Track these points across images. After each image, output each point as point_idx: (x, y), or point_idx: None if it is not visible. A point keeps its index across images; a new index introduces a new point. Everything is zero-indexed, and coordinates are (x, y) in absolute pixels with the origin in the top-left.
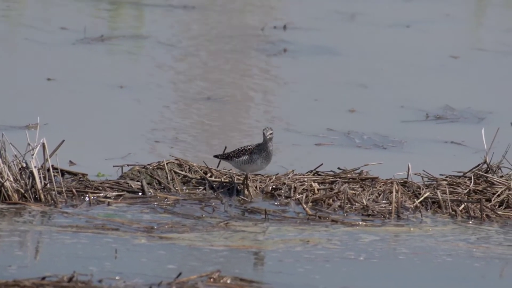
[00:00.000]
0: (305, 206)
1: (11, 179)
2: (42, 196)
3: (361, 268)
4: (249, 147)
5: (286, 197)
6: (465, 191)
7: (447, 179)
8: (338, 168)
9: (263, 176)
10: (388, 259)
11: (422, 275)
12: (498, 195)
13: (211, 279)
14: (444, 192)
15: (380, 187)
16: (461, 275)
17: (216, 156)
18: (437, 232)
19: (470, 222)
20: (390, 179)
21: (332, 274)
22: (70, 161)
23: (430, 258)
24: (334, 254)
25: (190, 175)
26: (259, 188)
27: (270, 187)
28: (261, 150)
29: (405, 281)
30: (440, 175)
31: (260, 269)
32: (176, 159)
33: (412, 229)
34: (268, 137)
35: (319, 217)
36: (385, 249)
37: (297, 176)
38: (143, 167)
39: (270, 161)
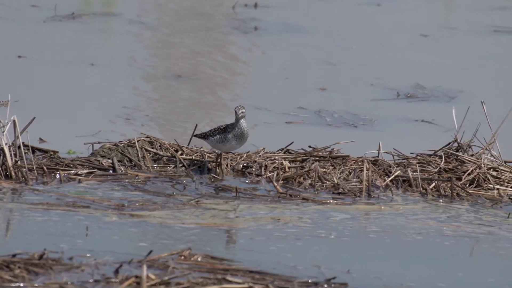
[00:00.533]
0: (276, 184)
1: None
2: (12, 174)
3: (332, 246)
4: (223, 126)
5: (257, 175)
6: (436, 170)
7: (418, 157)
8: (309, 147)
9: (234, 154)
10: (359, 237)
11: (392, 253)
12: (469, 174)
13: (182, 257)
14: (415, 171)
15: (351, 165)
16: (432, 253)
17: (195, 136)
18: (407, 211)
19: (441, 201)
20: (361, 157)
21: (304, 252)
22: (40, 139)
23: (401, 236)
24: (305, 232)
25: (161, 153)
26: (230, 166)
27: (241, 165)
28: (234, 129)
29: (376, 260)
30: (411, 153)
31: (232, 247)
32: (147, 137)
33: (383, 207)
34: (240, 116)
35: (290, 195)
36: (356, 228)
37: (268, 154)
38: (114, 145)
39: (246, 140)
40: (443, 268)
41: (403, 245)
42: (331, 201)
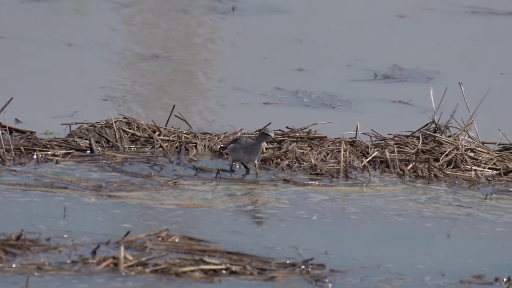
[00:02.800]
0: (252, 165)
1: None
2: None
3: (310, 227)
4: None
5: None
6: (413, 151)
7: (395, 138)
8: (287, 127)
9: (211, 135)
10: (338, 219)
11: (371, 235)
12: (446, 155)
13: (160, 238)
14: (392, 152)
15: (328, 146)
16: (412, 234)
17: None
18: (387, 192)
19: (418, 182)
20: (338, 138)
21: (282, 234)
22: (16, 119)
23: (381, 218)
24: (285, 213)
25: (138, 134)
26: (208, 146)
27: (219, 146)
28: (251, 145)
29: (354, 241)
30: (388, 134)
31: (216, 228)
32: (124, 117)
33: (363, 189)
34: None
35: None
36: (335, 209)
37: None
38: (91, 125)
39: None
40: (423, 250)
41: (383, 226)
42: (309, 182)
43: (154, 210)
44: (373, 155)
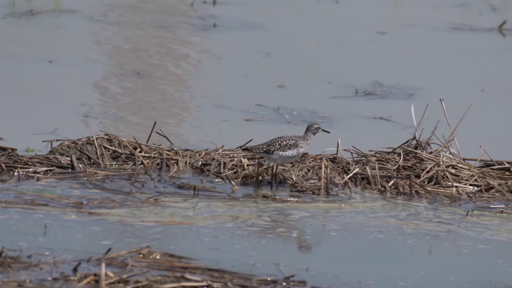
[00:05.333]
0: (233, 183)
1: None
2: None
3: (292, 244)
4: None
5: (216, 173)
6: (395, 167)
7: (377, 155)
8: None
9: (192, 151)
10: (319, 236)
11: (352, 251)
12: (427, 171)
13: (141, 255)
14: (374, 168)
15: (309, 163)
16: (393, 251)
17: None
18: (367, 209)
19: (399, 198)
20: (320, 155)
21: (263, 251)
22: None
23: (362, 234)
24: (265, 230)
25: (119, 150)
26: (189, 163)
27: (200, 163)
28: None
29: (336, 258)
30: (370, 151)
31: (193, 245)
32: (105, 134)
33: (343, 205)
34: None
35: (251, 195)
36: (316, 225)
37: (226, 152)
38: (73, 142)
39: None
40: (404, 267)
41: (364, 243)
42: (290, 199)
43: (133, 227)
44: (354, 171)
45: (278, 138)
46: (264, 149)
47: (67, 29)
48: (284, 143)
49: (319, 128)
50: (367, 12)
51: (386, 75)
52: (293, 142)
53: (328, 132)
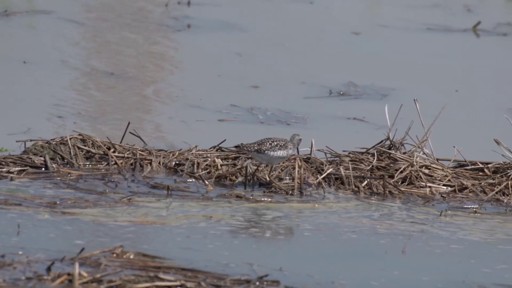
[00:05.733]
0: (207, 183)
1: None
2: None
3: (265, 244)
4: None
5: (189, 173)
6: (368, 168)
7: (350, 155)
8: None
9: (166, 151)
10: (292, 236)
11: (326, 251)
12: (401, 172)
13: (114, 255)
14: (347, 168)
15: (283, 163)
16: (367, 251)
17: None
18: (340, 209)
19: (373, 199)
20: (293, 155)
21: (236, 250)
22: None
23: (335, 235)
24: (238, 230)
25: (93, 151)
26: (162, 163)
27: (173, 163)
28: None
29: (309, 258)
30: (343, 151)
31: (167, 245)
32: (79, 134)
33: (316, 205)
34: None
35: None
36: (289, 225)
37: (200, 152)
38: (46, 142)
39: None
40: (378, 267)
41: (337, 243)
42: (264, 199)
43: (107, 226)
44: (328, 171)
45: (267, 138)
46: (256, 148)
47: (41, 30)
48: (275, 143)
49: (300, 140)
50: (342, 12)
51: (360, 76)
52: (283, 143)
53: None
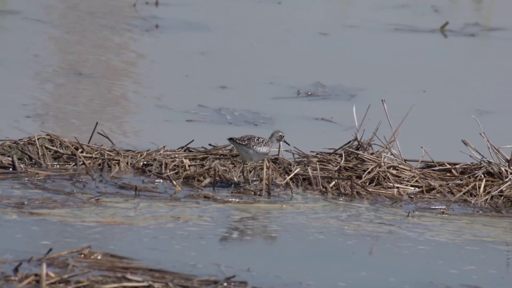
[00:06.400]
0: (175, 183)
1: None
2: None
3: (233, 245)
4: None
5: (157, 174)
6: (336, 168)
7: (318, 156)
8: (209, 145)
9: (134, 152)
10: (260, 236)
11: (294, 252)
12: (369, 172)
13: (82, 255)
14: (315, 169)
15: (251, 163)
16: (334, 252)
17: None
18: (308, 209)
19: (341, 199)
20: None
21: (204, 251)
22: None
23: (303, 235)
24: (206, 231)
25: (61, 151)
26: (130, 164)
27: (141, 163)
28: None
29: (277, 258)
30: (311, 152)
31: (134, 245)
32: (47, 135)
33: (284, 206)
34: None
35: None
36: (257, 226)
37: (168, 152)
38: (14, 142)
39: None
40: (345, 267)
41: (305, 244)
42: (232, 199)
43: (74, 227)
44: (296, 172)
45: (250, 135)
46: (245, 142)
47: (9, 30)
48: (261, 139)
49: (283, 136)
50: (310, 13)
51: (328, 76)
52: (266, 140)
53: (288, 144)
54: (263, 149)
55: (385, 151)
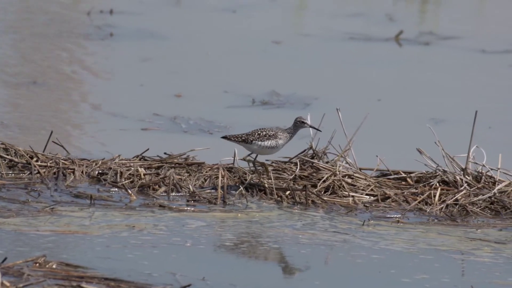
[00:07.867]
0: (130, 192)
1: None
2: None
3: (188, 254)
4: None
5: (112, 182)
6: (291, 177)
7: (273, 164)
8: (165, 153)
9: (89, 160)
10: (215, 245)
11: (248, 261)
12: (324, 181)
13: (37, 264)
14: (270, 178)
15: (206, 172)
16: (288, 261)
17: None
18: (263, 218)
19: (296, 208)
20: (216, 164)
21: (159, 260)
22: None
23: (257, 244)
24: (161, 240)
25: (16, 160)
26: (86, 172)
27: (97, 172)
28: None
29: (231, 267)
30: (266, 160)
31: (88, 254)
32: (2, 143)
33: (239, 215)
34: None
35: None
36: (211, 235)
37: (123, 161)
38: None
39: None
40: (299, 277)
41: (259, 253)
42: (187, 208)
43: (27, 236)
44: (250, 181)
45: (258, 129)
46: (243, 138)
47: None
48: (264, 133)
49: (303, 122)
50: (264, 22)
51: (282, 85)
52: (272, 133)
53: (318, 130)
54: (266, 143)
55: (340, 160)
